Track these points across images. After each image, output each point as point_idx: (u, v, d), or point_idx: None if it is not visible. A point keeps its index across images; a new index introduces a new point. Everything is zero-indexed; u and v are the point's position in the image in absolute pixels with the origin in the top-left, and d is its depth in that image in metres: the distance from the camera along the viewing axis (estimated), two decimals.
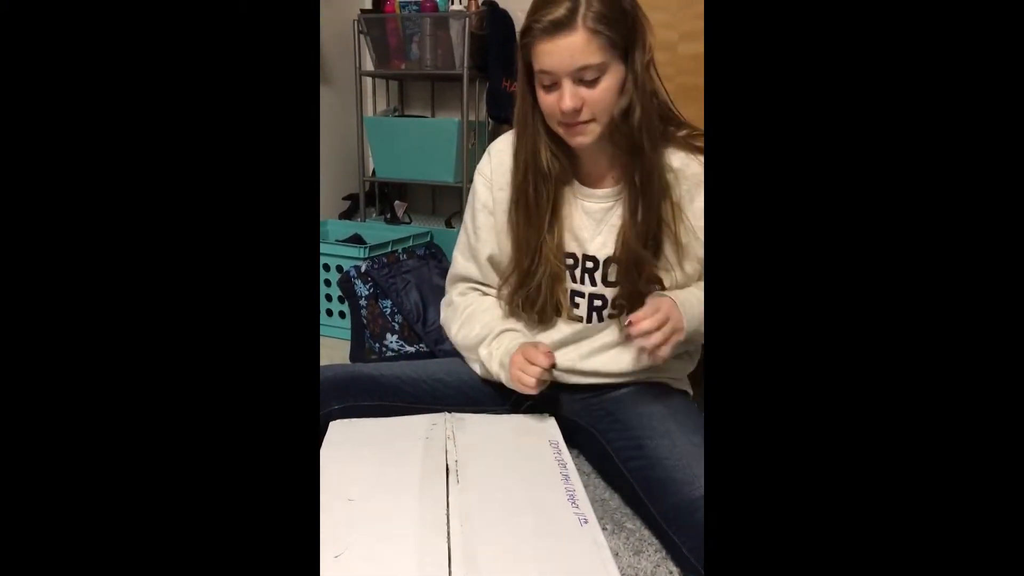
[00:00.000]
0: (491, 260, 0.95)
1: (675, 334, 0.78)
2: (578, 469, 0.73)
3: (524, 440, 0.78)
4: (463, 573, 0.53)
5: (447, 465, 0.70)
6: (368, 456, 0.72)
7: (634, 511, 0.84)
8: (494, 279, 0.95)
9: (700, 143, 0.84)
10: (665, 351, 0.78)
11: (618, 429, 0.87)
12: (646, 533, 0.80)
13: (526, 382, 0.83)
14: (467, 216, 0.97)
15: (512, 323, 0.93)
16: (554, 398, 0.97)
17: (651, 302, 0.81)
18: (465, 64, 1.79)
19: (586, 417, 0.94)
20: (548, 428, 0.82)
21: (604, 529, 0.79)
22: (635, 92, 0.77)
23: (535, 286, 0.89)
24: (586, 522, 0.62)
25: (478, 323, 0.93)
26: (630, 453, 0.83)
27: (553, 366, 0.84)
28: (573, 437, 0.94)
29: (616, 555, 0.74)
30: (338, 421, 0.81)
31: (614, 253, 0.86)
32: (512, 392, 0.93)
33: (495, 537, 0.58)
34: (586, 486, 0.85)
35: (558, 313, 0.91)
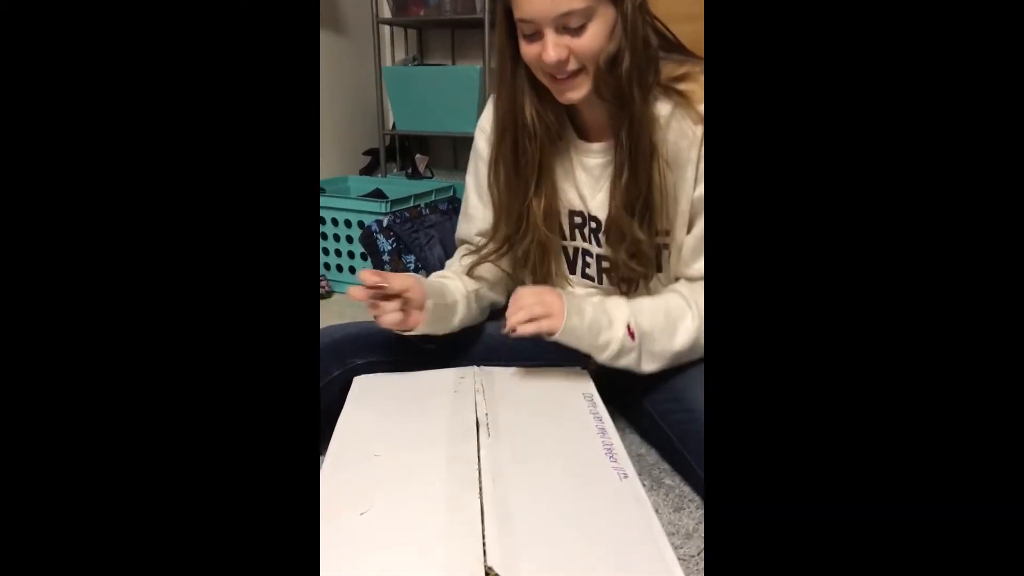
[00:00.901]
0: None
1: (545, 322, 0.71)
2: (612, 421, 0.69)
3: (557, 393, 0.74)
4: (496, 531, 0.49)
5: (477, 419, 0.66)
6: (393, 410, 0.69)
7: (672, 466, 0.80)
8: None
9: (685, 86, 0.72)
10: (523, 329, 0.71)
11: (654, 381, 0.82)
12: (686, 489, 0.76)
13: (370, 311, 0.74)
14: (468, 176, 0.91)
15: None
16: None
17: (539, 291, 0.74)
18: (486, 8, 1.70)
19: (620, 371, 0.90)
20: (582, 381, 0.78)
21: (641, 484, 0.75)
22: (624, 38, 0.67)
23: (522, 255, 0.83)
24: (626, 477, 0.58)
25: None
26: (668, 406, 0.79)
27: (379, 287, 0.70)
28: (606, 391, 0.90)
29: (656, 512, 0.71)
30: (362, 376, 0.78)
31: (608, 211, 0.79)
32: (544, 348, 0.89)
33: (530, 493, 0.55)
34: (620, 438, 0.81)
35: (559, 284, 0.86)
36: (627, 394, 0.88)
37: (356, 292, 0.70)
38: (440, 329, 0.81)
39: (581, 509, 0.53)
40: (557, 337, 0.73)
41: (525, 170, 0.80)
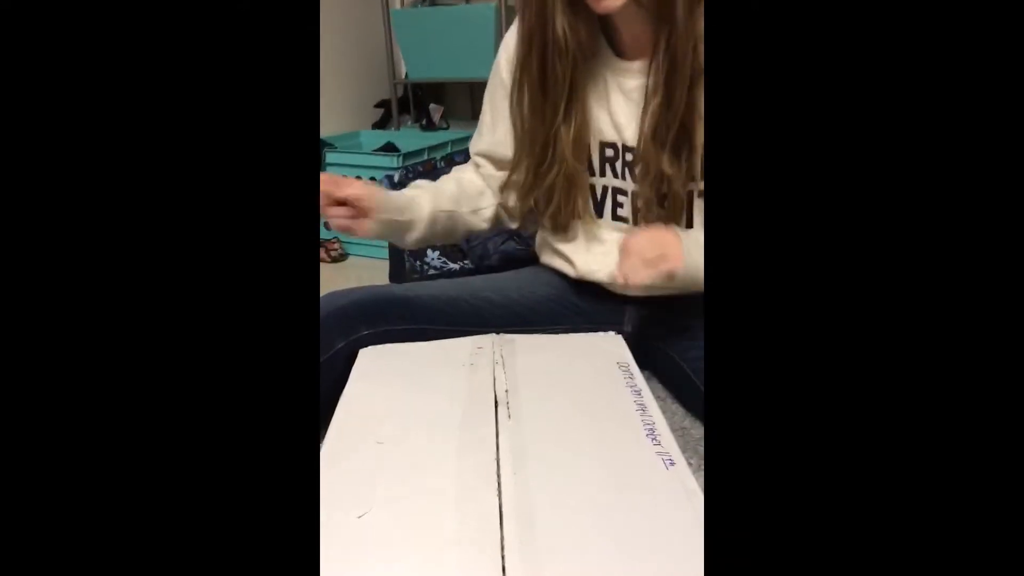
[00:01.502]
0: (491, 155, 0.81)
1: (662, 263, 0.62)
2: (652, 394, 0.60)
3: (588, 363, 0.65)
4: (517, 536, 0.41)
5: (495, 396, 0.58)
6: (401, 388, 0.61)
7: None
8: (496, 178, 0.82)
9: None
10: (641, 277, 0.63)
11: (697, 345, 0.73)
12: None
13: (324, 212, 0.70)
14: (484, 104, 0.82)
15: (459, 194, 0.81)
16: (618, 312, 0.83)
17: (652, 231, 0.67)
18: None
19: (658, 333, 0.80)
20: (616, 348, 0.69)
21: (688, 465, 0.66)
22: None
23: (546, 188, 0.73)
24: (672, 464, 0.49)
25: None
26: None
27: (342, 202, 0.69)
28: (643, 357, 0.81)
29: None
30: (368, 348, 0.70)
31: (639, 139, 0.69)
32: (576, 309, 0.79)
33: (557, 487, 0.46)
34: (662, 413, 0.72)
35: (584, 223, 0.77)
36: (666, 360, 0.79)
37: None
38: (394, 240, 0.80)
39: (619, 506, 0.45)
40: (680, 278, 0.64)
41: (554, 91, 0.70)
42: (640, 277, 0.62)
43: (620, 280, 0.63)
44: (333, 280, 1.37)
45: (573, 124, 0.71)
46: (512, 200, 0.80)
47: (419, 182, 0.82)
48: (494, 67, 0.80)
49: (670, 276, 0.63)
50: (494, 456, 0.49)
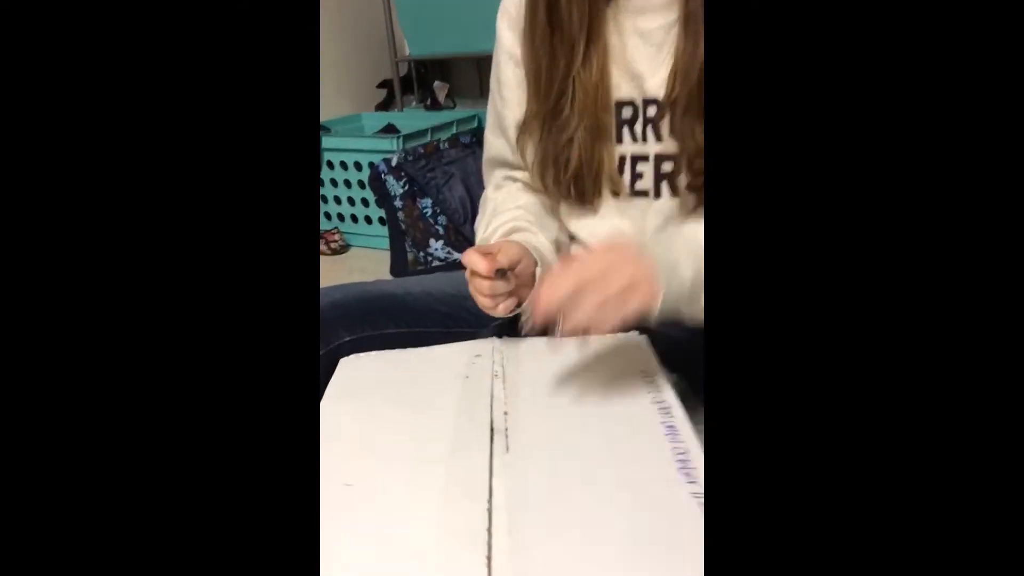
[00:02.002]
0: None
1: (630, 302, 0.46)
2: (684, 411, 0.50)
3: (606, 374, 0.55)
4: None
5: (491, 421, 0.48)
6: (380, 410, 0.51)
7: None
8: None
9: None
10: (600, 328, 0.45)
11: None
12: None
13: (481, 303, 0.58)
14: (492, 76, 0.71)
15: (542, 219, 0.68)
16: None
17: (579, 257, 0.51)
18: None
19: (686, 329, 0.70)
20: (639, 353, 0.58)
21: None
22: None
23: (564, 142, 0.62)
24: None
25: (491, 227, 0.67)
26: None
27: (502, 271, 0.55)
28: (670, 356, 0.70)
29: None
30: (349, 358, 0.61)
31: (670, 89, 0.59)
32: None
33: (563, 546, 0.36)
34: (695, 422, 0.61)
35: (611, 188, 0.64)
36: (696, 361, 0.68)
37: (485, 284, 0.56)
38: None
39: (640, 568, 0.35)
40: (656, 318, 0.49)
41: (568, 27, 0.60)
42: (595, 323, 0.45)
43: (561, 336, 0.46)
44: (333, 273, 1.29)
45: (594, 69, 0.61)
46: (529, 153, 0.68)
47: (513, 218, 0.68)
48: (497, 45, 0.69)
49: (643, 314, 0.48)
50: (486, 505, 0.39)
